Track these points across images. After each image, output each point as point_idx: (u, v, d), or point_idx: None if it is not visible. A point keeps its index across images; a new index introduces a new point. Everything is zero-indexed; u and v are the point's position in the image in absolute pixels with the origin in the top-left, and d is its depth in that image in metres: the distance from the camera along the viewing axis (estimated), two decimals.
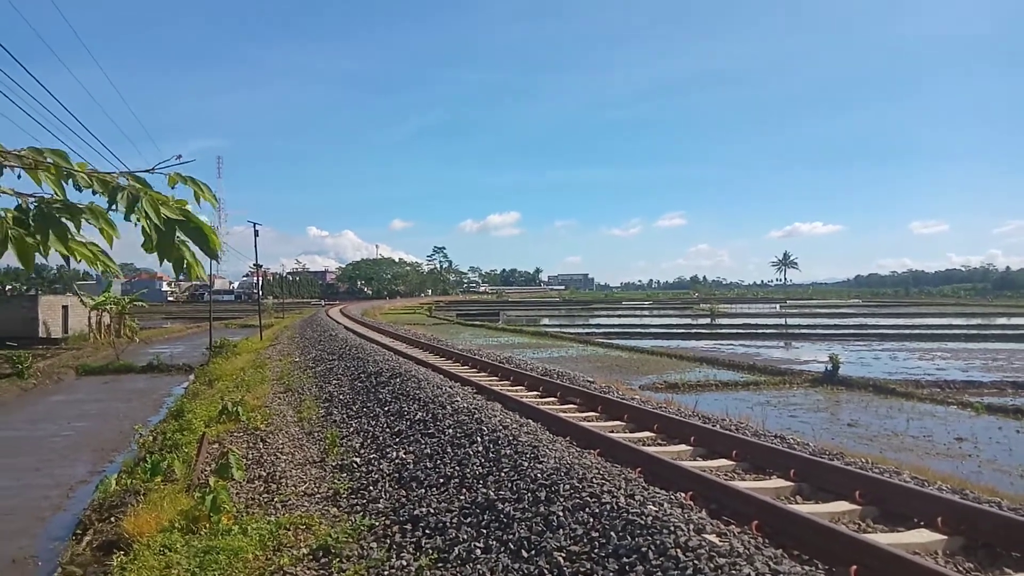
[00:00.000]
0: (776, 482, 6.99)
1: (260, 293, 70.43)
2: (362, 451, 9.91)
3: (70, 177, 2.09)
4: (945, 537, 5.39)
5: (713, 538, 4.90)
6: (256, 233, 45.89)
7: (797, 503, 6.50)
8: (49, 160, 2.06)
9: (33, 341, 34.71)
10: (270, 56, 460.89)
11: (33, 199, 2.09)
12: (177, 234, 2.19)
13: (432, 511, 6.88)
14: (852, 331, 42.67)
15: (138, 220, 2.10)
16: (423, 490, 7.59)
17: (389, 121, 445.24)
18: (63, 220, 2.09)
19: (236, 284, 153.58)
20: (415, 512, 6.96)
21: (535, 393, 13.04)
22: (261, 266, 68.19)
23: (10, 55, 9.13)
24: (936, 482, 7.25)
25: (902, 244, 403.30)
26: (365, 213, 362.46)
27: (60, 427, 17.13)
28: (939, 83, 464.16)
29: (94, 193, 2.12)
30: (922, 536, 5.45)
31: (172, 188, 2.26)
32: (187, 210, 2.21)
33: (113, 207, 2.11)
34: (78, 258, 2.27)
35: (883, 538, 5.36)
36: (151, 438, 13.54)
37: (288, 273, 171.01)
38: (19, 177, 2.07)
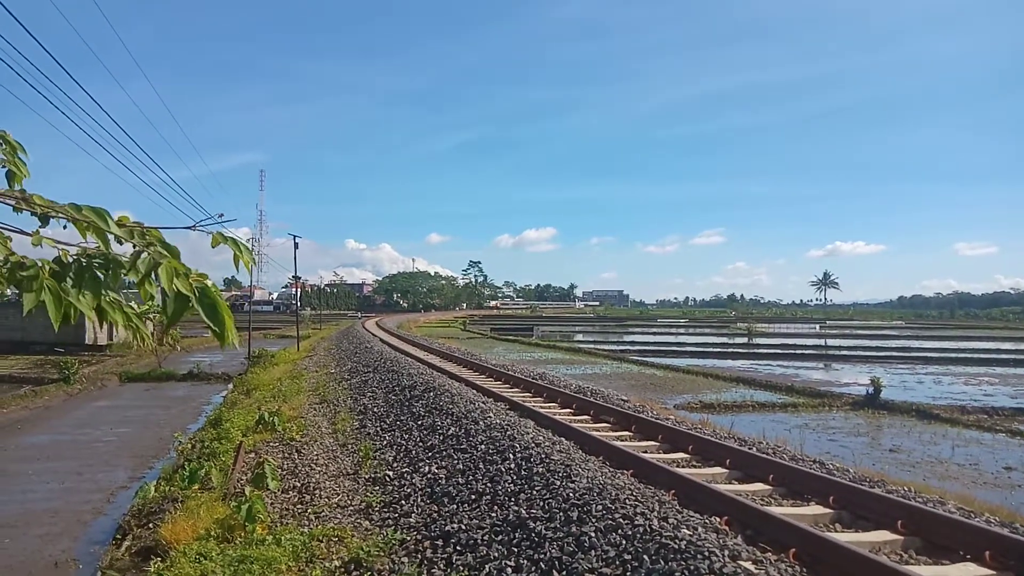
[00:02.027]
0: (814, 508, 6.83)
1: (298, 305, 71.60)
2: (395, 464, 9.95)
3: (111, 238, 2.06)
4: (994, 573, 5.19)
5: (749, 565, 4.80)
6: (296, 246, 46.82)
7: (836, 531, 6.34)
8: (86, 219, 2.02)
9: (80, 347, 35.67)
10: (314, 71, 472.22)
11: (76, 248, 2.08)
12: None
13: (463, 527, 6.88)
14: (895, 354, 41.46)
15: (152, 286, 2.07)
16: (455, 506, 7.59)
17: (429, 137, 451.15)
18: (99, 275, 2.08)
19: (275, 295, 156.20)
20: (446, 528, 6.97)
21: (568, 411, 12.97)
22: (300, 278, 69.27)
23: (67, 74, 9.51)
24: (983, 513, 7.01)
25: (947, 265, 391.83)
26: (403, 227, 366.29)
27: (103, 432, 17.59)
28: (987, 102, 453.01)
29: (135, 247, 2.09)
30: (968, 571, 5.27)
31: (214, 247, 2.25)
32: (206, 284, 2.18)
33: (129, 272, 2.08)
34: (109, 318, 2.26)
35: (927, 571, 5.20)
36: (190, 446, 13.81)
37: (326, 285, 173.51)
38: (64, 227, 2.06)
